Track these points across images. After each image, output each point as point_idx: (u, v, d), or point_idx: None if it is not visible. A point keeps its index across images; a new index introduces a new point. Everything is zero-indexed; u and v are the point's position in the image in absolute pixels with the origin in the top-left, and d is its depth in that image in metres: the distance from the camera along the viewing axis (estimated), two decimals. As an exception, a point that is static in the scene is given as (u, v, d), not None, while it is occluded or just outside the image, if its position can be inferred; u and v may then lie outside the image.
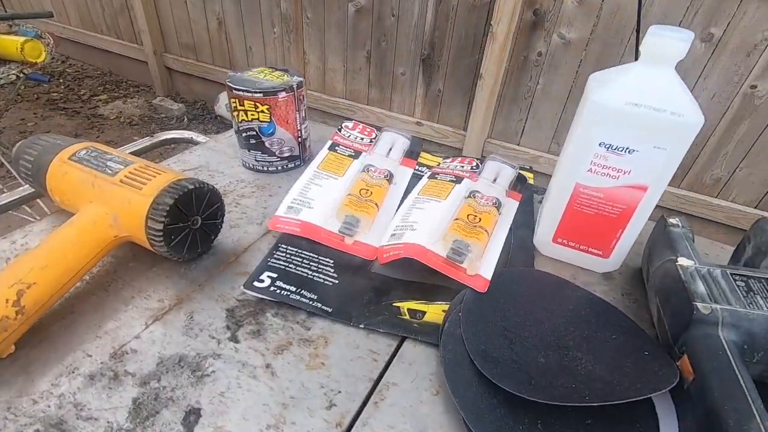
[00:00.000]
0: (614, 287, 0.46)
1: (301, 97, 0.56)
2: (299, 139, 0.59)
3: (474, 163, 0.59)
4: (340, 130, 0.63)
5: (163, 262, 0.44)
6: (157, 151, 2.26)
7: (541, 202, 0.54)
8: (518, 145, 2.12)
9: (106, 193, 0.41)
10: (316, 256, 0.44)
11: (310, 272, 0.42)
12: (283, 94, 0.54)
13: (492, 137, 2.14)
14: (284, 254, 0.44)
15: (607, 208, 0.41)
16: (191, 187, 0.40)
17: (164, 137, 0.90)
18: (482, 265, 0.41)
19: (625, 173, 0.39)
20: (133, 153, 0.84)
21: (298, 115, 0.57)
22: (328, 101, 2.44)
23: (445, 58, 2.09)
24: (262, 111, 0.54)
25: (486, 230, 0.44)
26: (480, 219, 0.45)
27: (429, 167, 0.60)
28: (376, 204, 0.49)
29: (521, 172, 0.57)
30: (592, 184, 0.41)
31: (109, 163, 0.43)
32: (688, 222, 0.43)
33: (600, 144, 0.38)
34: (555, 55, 1.84)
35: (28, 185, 0.47)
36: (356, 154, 0.59)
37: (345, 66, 2.33)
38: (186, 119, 2.72)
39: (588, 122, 0.39)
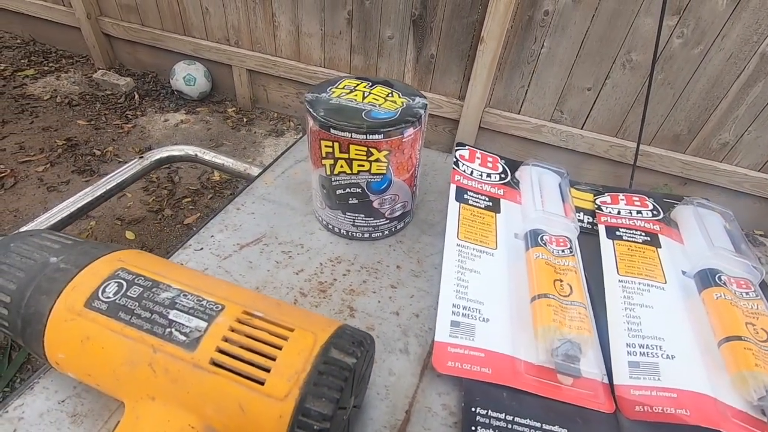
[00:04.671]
0: None
1: (424, 129, 0.37)
2: (414, 188, 0.40)
3: (650, 206, 0.42)
4: (457, 165, 0.43)
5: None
6: (160, 175, 1.93)
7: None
8: (519, 113, 1.98)
9: (186, 385, 0.21)
10: (538, 427, 0.27)
11: None
12: (410, 130, 0.34)
13: (491, 106, 1.98)
14: (490, 430, 0.26)
15: None
16: (352, 363, 0.21)
17: (158, 156, 0.66)
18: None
19: None
20: (123, 182, 0.61)
21: (419, 157, 0.38)
22: (304, 71, 2.17)
23: (440, 18, 1.87)
24: (378, 159, 0.34)
25: (783, 351, 0.28)
26: (765, 330, 0.29)
27: (586, 212, 0.43)
28: (583, 305, 0.32)
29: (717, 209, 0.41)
30: None
31: (172, 314, 0.22)
32: None
33: None
34: (564, 13, 1.67)
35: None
36: (494, 204, 0.41)
37: (323, 29, 2.05)
38: (137, 95, 2.34)
39: None
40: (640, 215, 0.41)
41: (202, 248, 0.38)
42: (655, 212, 0.41)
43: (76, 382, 0.28)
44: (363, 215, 0.38)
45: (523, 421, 0.27)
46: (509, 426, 0.27)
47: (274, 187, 0.46)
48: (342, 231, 0.40)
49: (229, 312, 0.23)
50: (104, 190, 0.60)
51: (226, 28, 2.20)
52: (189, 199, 1.81)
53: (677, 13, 1.50)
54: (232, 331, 0.22)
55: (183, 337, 0.22)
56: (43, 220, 0.53)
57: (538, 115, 1.92)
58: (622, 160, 1.87)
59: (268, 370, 0.21)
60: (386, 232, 0.41)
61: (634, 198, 0.43)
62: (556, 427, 0.27)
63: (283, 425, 0.20)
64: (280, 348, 0.21)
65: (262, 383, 0.20)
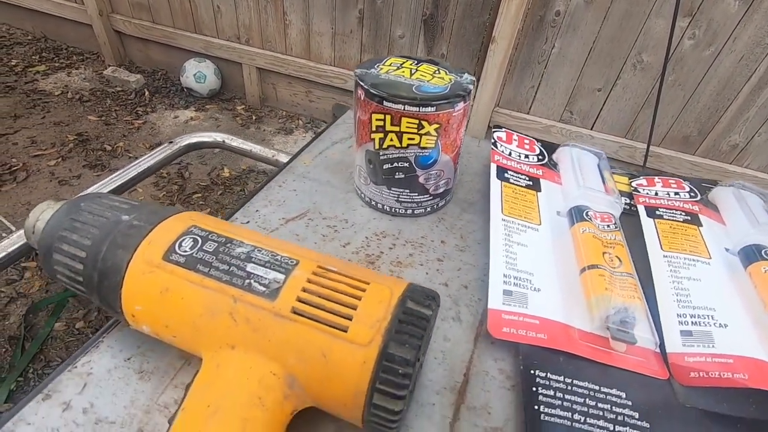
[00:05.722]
0: None
1: (471, 105, 0.37)
2: (456, 165, 0.40)
3: (686, 188, 0.43)
4: (495, 146, 0.44)
5: (349, 428, 0.25)
6: (188, 160, 1.93)
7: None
8: (528, 114, 1.99)
9: (268, 334, 0.21)
10: (598, 389, 0.27)
11: (611, 427, 0.26)
12: (461, 105, 0.35)
13: (500, 106, 1.99)
14: (551, 393, 0.27)
15: None
16: (428, 314, 0.22)
17: (187, 141, 0.67)
18: None
19: None
20: (153, 166, 0.62)
21: (463, 134, 0.38)
22: (314, 69, 2.18)
23: (451, 18, 1.88)
24: (428, 133, 0.35)
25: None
26: (815, 302, 0.30)
27: (623, 194, 0.44)
28: (633, 276, 0.32)
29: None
30: None
31: (249, 267, 0.23)
32: None
33: None
34: (575, 14, 1.68)
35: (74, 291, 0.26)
36: (534, 184, 0.41)
37: (333, 28, 2.06)
38: (147, 92, 2.35)
39: None
40: (678, 196, 0.42)
41: (248, 221, 0.38)
42: (692, 194, 0.42)
43: (140, 342, 0.28)
44: (408, 191, 0.39)
45: (581, 383, 0.27)
46: (569, 387, 0.27)
47: (313, 166, 0.46)
48: (385, 207, 0.40)
49: (303, 266, 0.23)
50: (135, 173, 0.61)
51: (237, 26, 2.21)
52: (199, 195, 1.81)
53: (689, 14, 1.51)
54: (310, 282, 0.22)
55: (262, 288, 0.22)
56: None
57: (547, 116, 1.93)
58: (632, 161, 1.88)
59: (349, 319, 0.21)
60: (428, 209, 0.41)
61: (670, 181, 0.44)
62: (614, 390, 0.27)
63: (367, 371, 0.20)
64: (358, 298, 0.22)
65: (344, 330, 0.21)
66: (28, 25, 2.72)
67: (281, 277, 0.22)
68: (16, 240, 0.43)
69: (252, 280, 0.22)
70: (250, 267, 0.23)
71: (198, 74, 2.31)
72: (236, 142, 0.67)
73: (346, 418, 0.22)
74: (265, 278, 0.22)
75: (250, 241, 0.24)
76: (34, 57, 2.54)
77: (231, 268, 0.23)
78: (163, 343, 0.28)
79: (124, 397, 0.26)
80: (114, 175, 0.59)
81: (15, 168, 1.83)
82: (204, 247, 0.24)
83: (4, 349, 1.26)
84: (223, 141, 0.67)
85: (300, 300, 0.22)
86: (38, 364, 1.24)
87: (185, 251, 0.23)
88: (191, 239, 0.24)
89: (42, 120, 2.10)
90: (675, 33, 1.55)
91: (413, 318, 0.21)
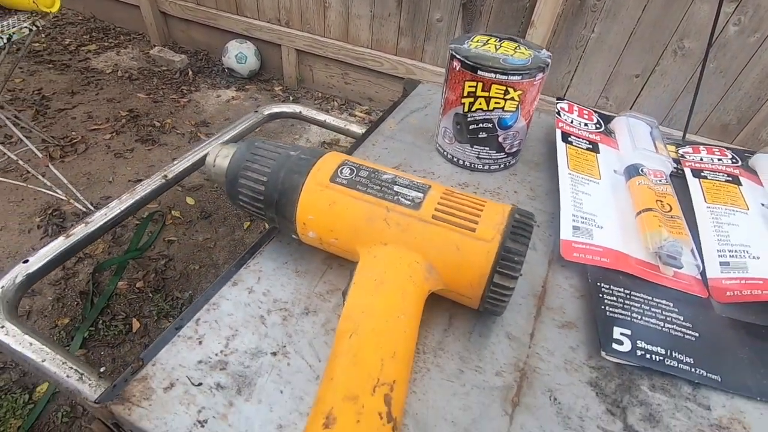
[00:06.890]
0: None
1: (546, 77, 0.44)
2: (528, 129, 0.48)
3: (729, 156, 0.49)
4: (559, 114, 0.51)
5: (460, 315, 0.34)
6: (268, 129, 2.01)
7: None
8: (563, 99, 1.99)
9: (414, 233, 0.29)
10: (650, 299, 0.35)
11: (661, 324, 0.33)
12: (540, 75, 0.42)
13: (535, 91, 2.00)
14: (614, 299, 0.34)
15: None
16: (533, 223, 0.29)
17: (269, 111, 0.75)
18: None
19: None
20: (242, 131, 0.71)
21: (537, 102, 0.45)
22: (351, 52, 2.23)
23: (490, 2, 1.90)
24: (512, 98, 0.42)
25: None
26: (837, 242, 0.36)
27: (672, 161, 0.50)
28: (681, 218, 0.39)
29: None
30: None
31: (396, 188, 0.31)
32: None
33: None
34: (616, -2, 1.68)
35: (249, 213, 0.34)
36: (594, 147, 0.48)
37: (372, 11, 2.10)
38: (191, 72, 2.46)
39: None
40: (720, 162, 0.48)
41: (353, 171, 0.47)
42: (734, 160, 0.48)
43: (290, 251, 0.37)
44: (488, 148, 0.46)
45: (637, 294, 0.35)
46: (627, 296, 0.35)
47: (398, 130, 0.54)
48: (466, 163, 0.48)
49: (435, 189, 0.31)
50: (225, 139, 0.69)
51: (278, 8, 2.28)
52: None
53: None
54: (443, 199, 0.30)
55: (408, 202, 0.30)
56: (165, 170, 0.56)
57: (582, 102, 1.94)
58: (666, 147, 1.88)
59: (475, 223, 0.29)
60: (502, 166, 0.49)
61: (714, 149, 0.50)
62: (664, 301, 0.35)
63: (491, 258, 0.28)
64: (480, 210, 0.29)
65: (473, 230, 0.29)
66: (79, 5, 2.85)
67: (420, 195, 0.30)
68: (150, 183, 0.52)
69: (399, 197, 0.30)
70: (396, 188, 0.31)
71: (239, 55, 2.39)
72: (311, 113, 0.75)
73: (466, 299, 0.30)
74: (409, 195, 0.30)
75: (383, 168, 0.32)
76: (85, 36, 2.67)
77: (382, 188, 0.31)
78: (310, 252, 0.36)
79: (290, 287, 0.34)
80: (210, 139, 0.68)
81: (75, 141, 1.96)
82: (359, 174, 0.32)
83: (76, 302, 1.40)
84: (300, 112, 0.75)
85: (437, 210, 0.30)
86: (106, 317, 1.38)
87: (346, 176, 0.32)
88: (348, 168, 0.32)
89: (96, 96, 2.24)
90: (719, 19, 1.55)
91: (522, 224, 0.29)
